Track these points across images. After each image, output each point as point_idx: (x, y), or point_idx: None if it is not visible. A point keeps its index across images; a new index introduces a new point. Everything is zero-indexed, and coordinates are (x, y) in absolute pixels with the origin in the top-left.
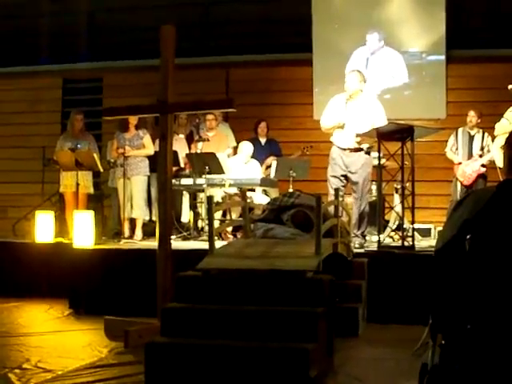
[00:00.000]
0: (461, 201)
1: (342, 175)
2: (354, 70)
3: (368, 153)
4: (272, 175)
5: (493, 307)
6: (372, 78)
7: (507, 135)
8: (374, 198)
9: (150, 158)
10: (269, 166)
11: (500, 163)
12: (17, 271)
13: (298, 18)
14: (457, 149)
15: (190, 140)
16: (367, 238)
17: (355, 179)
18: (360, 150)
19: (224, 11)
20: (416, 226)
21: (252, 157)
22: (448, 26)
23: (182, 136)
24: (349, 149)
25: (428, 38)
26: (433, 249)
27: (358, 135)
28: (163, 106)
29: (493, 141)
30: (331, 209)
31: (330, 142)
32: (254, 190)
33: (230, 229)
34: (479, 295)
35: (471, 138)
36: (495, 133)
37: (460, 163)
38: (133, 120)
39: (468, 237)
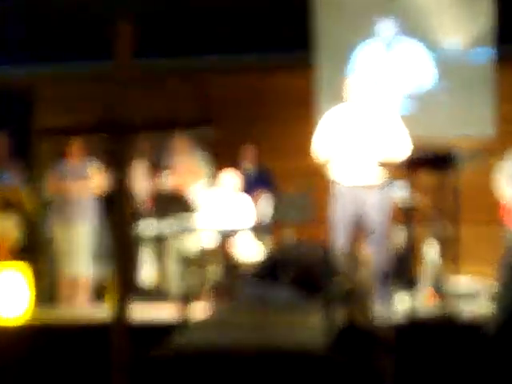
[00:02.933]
0: None
1: (356, 217)
2: (358, 74)
3: (387, 187)
4: (265, 217)
5: None
6: (391, 81)
7: None
8: (401, 248)
9: (100, 195)
10: (261, 204)
11: None
12: None
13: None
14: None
15: (152, 169)
16: (393, 302)
17: (374, 222)
18: (378, 183)
19: (200, 1)
20: (461, 285)
21: (240, 191)
22: (500, 12)
23: (142, 164)
24: (363, 185)
25: (471, 27)
26: (484, 319)
27: (380, 164)
28: (117, 125)
29: None
30: (344, 263)
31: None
32: (241, 238)
33: (209, 290)
34: None
35: None
36: None
37: None
38: (77, 144)
39: None
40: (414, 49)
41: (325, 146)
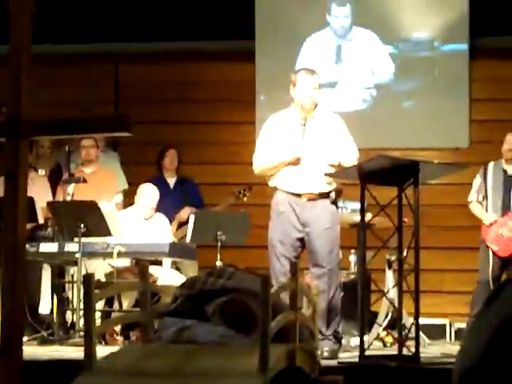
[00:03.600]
0: (497, 291)
1: (297, 238)
2: (309, 69)
3: (335, 202)
4: (188, 238)
5: None
6: (348, 78)
7: None
8: (352, 277)
9: None
10: (183, 223)
11: None
12: None
13: None
14: (486, 198)
15: (55, 180)
16: (343, 341)
17: (319, 245)
18: (324, 196)
19: None
20: (422, 321)
21: (156, 208)
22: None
23: (42, 173)
24: (308, 194)
25: (442, 17)
26: (448, 361)
27: (331, 167)
28: (12, 126)
29: None
30: (285, 296)
31: (271, 187)
32: (159, 263)
33: (119, 327)
34: None
35: (509, 179)
36: None
37: (493, 222)
38: None
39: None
40: (370, 40)
41: (273, 155)
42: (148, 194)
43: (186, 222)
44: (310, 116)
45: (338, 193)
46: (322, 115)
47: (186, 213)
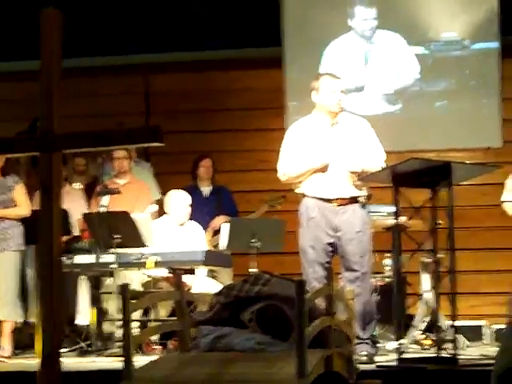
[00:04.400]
0: None
1: (328, 243)
2: (333, 74)
3: (364, 205)
4: (222, 246)
5: None
6: (375, 81)
7: None
8: (387, 280)
9: (24, 221)
10: (217, 232)
11: None
12: None
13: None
14: None
15: (91, 193)
16: (380, 345)
17: (350, 249)
18: (355, 201)
19: None
20: (459, 323)
21: (190, 217)
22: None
23: (77, 186)
24: (338, 200)
25: (472, 16)
26: (487, 363)
27: (354, 174)
28: (46, 140)
29: None
30: (320, 301)
31: (300, 194)
32: (194, 272)
33: (156, 337)
34: None
35: None
36: None
37: None
38: None
39: None
40: (395, 42)
41: (300, 163)
42: (176, 198)
43: (220, 231)
44: (335, 121)
45: (368, 197)
46: (347, 120)
47: (221, 221)
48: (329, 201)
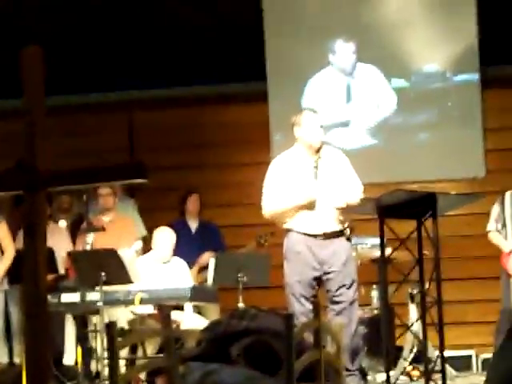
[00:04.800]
0: None
1: (314, 277)
2: (313, 109)
3: (349, 239)
4: (209, 281)
5: None
6: (358, 115)
7: None
8: (375, 312)
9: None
10: (204, 268)
11: None
12: None
13: (243, 26)
14: (504, 226)
15: (77, 230)
16: (369, 377)
17: (337, 281)
18: (340, 234)
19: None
20: (447, 353)
21: (176, 253)
22: (482, 29)
23: (62, 224)
24: (325, 234)
25: (452, 48)
26: None
27: (338, 209)
28: (30, 178)
29: None
30: (308, 335)
31: (286, 229)
32: (181, 308)
33: (144, 374)
34: None
35: None
36: None
37: None
38: None
39: None
40: (373, 75)
41: (285, 199)
42: (162, 237)
43: (207, 267)
44: (317, 156)
45: (351, 229)
46: (327, 154)
47: (208, 257)
48: (315, 236)
